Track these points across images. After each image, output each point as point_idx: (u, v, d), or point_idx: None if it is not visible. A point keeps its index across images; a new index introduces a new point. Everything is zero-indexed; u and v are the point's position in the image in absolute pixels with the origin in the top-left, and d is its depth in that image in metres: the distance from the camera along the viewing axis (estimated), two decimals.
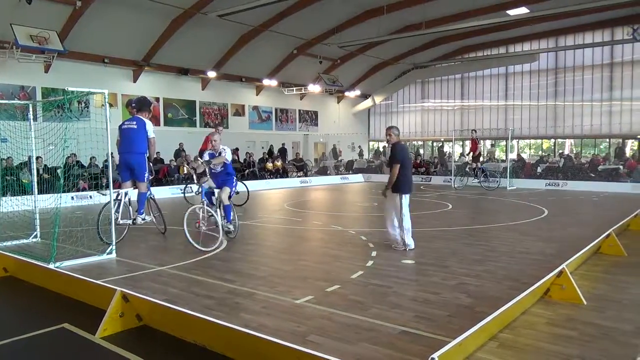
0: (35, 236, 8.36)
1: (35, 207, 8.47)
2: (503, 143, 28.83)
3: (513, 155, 24.78)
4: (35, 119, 8.84)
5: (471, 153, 18.45)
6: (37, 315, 4.71)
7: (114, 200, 7.87)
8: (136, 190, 8.14)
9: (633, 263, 6.60)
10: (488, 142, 30.52)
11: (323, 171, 26.99)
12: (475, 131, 18.90)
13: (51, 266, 5.89)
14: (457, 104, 30.92)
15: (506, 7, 19.84)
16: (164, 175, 18.94)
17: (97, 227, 7.85)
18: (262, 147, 25.82)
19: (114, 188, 7.62)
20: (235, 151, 22.65)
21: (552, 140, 28.71)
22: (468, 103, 30.41)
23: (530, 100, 27.96)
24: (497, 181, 18.58)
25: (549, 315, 4.55)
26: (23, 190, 12.37)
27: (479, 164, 18.45)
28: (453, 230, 9.57)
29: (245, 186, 13.85)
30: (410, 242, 7.40)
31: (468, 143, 22.04)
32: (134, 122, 7.86)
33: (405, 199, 7.37)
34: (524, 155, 27.55)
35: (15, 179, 12.88)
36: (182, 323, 3.93)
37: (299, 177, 23.79)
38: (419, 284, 5.64)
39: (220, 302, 5.00)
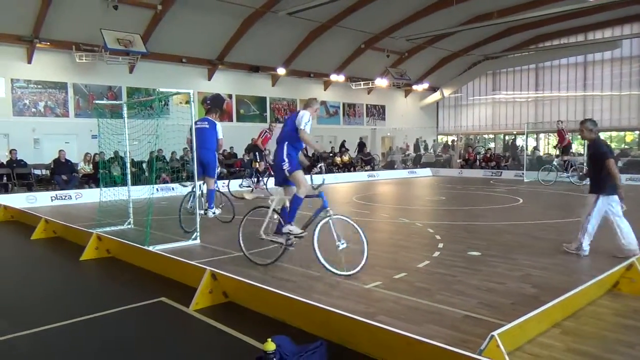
0: (129, 223, 9.28)
1: (129, 197, 9.39)
2: (580, 136, 27.55)
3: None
4: (121, 116, 9.73)
5: (559, 145, 17.66)
6: (138, 290, 5.38)
7: (190, 192, 8.62)
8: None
9: None
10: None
11: (390, 165, 27.07)
12: (562, 122, 17.89)
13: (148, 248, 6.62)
14: (530, 96, 29.84)
15: None
16: (239, 167, 19.95)
17: (178, 217, 8.65)
18: (330, 142, 26.28)
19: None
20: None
21: (637, 132, 27.03)
22: (543, 94, 29.26)
23: (612, 89, 26.49)
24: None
25: (616, 307, 4.61)
26: (114, 182, 13.59)
27: (568, 157, 17.37)
28: (522, 225, 9.52)
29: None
30: (587, 248, 6.61)
31: (543, 135, 21.20)
32: (206, 122, 8.52)
33: (603, 201, 6.49)
34: None
35: (107, 171, 14.15)
36: (264, 299, 4.40)
37: (366, 171, 24.07)
38: (484, 274, 5.80)
39: (295, 284, 5.46)
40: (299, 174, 6.05)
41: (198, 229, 7.89)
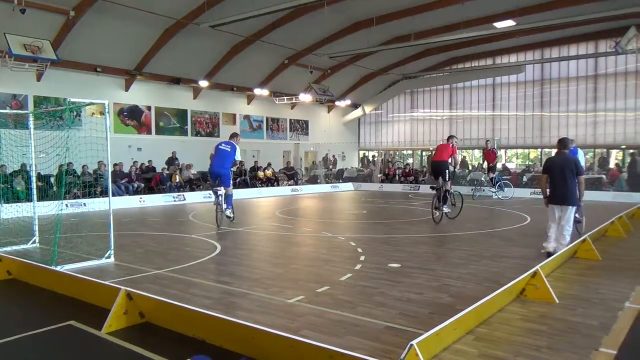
0: (34, 242, 8.59)
1: (34, 213, 8.70)
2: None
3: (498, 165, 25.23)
4: (27, 127, 9.07)
5: (486, 162, 18.64)
6: (44, 314, 4.97)
7: (217, 195, 10.77)
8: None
9: (606, 266, 7.00)
10: (477, 151, 31.03)
11: (313, 180, 27.32)
12: (489, 141, 18.96)
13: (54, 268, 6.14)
14: (445, 114, 31.47)
15: (493, 20, 20.44)
16: (156, 183, 19.14)
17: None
18: (253, 156, 26.11)
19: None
20: None
21: (539, 149, 29.32)
22: (456, 113, 30.97)
23: (517, 110, 28.59)
24: (512, 190, 18.75)
25: (523, 313, 4.91)
26: (17, 197, 12.57)
27: (494, 174, 18.39)
28: (439, 236, 9.95)
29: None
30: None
31: (462, 152, 22.27)
32: (229, 146, 10.68)
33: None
34: (512, 165, 28.09)
35: (9, 186, 13.06)
36: (182, 318, 4.22)
37: (289, 185, 24.11)
38: (404, 285, 5.97)
39: (217, 302, 5.30)
40: None
41: (112, 247, 7.46)
